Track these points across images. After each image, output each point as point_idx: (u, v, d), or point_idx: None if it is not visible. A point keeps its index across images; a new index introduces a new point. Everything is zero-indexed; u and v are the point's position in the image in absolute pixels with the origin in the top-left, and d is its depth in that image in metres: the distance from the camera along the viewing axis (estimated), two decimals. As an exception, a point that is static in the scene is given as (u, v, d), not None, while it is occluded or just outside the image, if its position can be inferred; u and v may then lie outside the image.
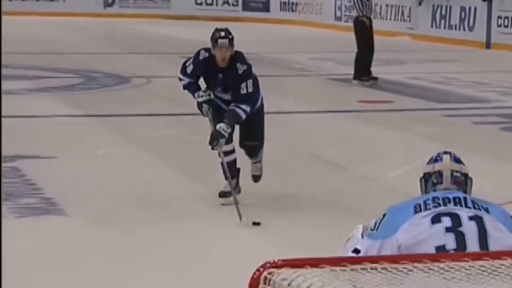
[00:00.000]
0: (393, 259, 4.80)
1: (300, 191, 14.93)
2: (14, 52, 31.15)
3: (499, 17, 33.11)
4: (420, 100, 24.22)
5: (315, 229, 12.51)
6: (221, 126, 11.76)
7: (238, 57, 12.13)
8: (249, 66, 12.16)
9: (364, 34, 27.06)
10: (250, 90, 11.97)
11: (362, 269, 4.46)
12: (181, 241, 12.78)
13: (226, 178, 12.81)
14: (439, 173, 6.05)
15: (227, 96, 12.36)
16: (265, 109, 14.29)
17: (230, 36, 12.06)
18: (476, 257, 4.78)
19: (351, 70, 28.60)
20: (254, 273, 4.31)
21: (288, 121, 21.44)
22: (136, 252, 12.33)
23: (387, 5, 37.62)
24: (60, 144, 18.87)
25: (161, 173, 16.58)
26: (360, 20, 27.44)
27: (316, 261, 4.36)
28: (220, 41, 11.89)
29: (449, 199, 5.85)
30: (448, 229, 5.86)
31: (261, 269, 4.30)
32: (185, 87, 12.36)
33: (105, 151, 17.63)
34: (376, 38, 28.13)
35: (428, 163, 6.39)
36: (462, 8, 33.97)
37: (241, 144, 12.60)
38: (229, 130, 12.06)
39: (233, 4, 48.53)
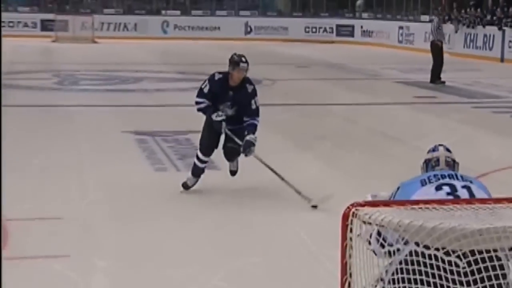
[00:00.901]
0: (440, 202, 4.56)
1: (373, 158, 14.71)
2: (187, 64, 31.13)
3: (510, 41, 32.98)
4: (455, 96, 23.96)
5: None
6: (251, 137, 10.81)
7: (246, 79, 11.30)
8: (255, 87, 11.42)
9: (437, 53, 26.66)
10: (258, 105, 11.14)
11: (419, 208, 4.34)
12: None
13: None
14: (436, 159, 6.14)
15: (231, 112, 11.24)
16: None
17: (248, 62, 11.33)
18: (484, 201, 4.63)
19: (410, 76, 28.20)
20: (345, 210, 4.23)
21: (365, 110, 21.39)
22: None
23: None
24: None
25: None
26: (436, 43, 26.86)
27: (388, 202, 4.39)
28: (241, 64, 11.11)
29: (445, 175, 5.88)
30: (448, 194, 5.81)
31: (350, 207, 4.22)
32: (201, 109, 11.20)
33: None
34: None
35: (428, 152, 6.46)
36: (485, 35, 33.64)
37: (224, 145, 11.37)
38: (256, 140, 11.02)
39: (329, 32, 47.89)
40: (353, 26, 47.75)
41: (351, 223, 4.22)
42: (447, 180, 5.96)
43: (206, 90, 11.14)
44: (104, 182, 12.40)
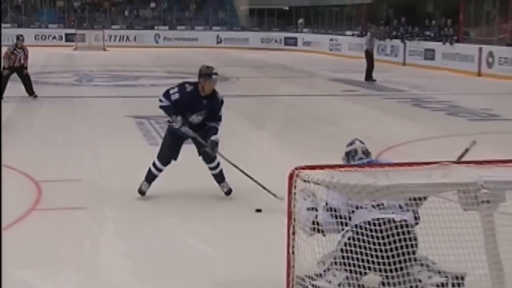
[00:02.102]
0: (360, 166, 4.67)
1: (311, 135, 14.69)
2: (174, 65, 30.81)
3: (410, 50, 33.39)
4: (372, 90, 24.03)
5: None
6: (216, 137, 9.43)
7: (215, 89, 9.59)
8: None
9: (369, 58, 26.74)
10: (222, 113, 9.65)
11: (345, 170, 4.32)
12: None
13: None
14: (355, 150, 5.99)
15: (197, 120, 9.58)
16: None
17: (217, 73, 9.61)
18: (391, 165, 4.64)
19: (338, 75, 28.30)
20: (291, 172, 4.28)
21: (305, 100, 21.43)
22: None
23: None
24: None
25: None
26: (368, 51, 26.94)
27: (322, 166, 4.22)
28: (214, 76, 9.44)
29: (364, 163, 5.84)
30: None
31: (294, 170, 4.26)
32: (163, 107, 9.56)
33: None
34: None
35: (347, 146, 6.35)
36: (392, 46, 33.83)
37: (200, 152, 9.73)
38: (219, 139, 9.58)
39: (279, 42, 47.86)
40: (296, 38, 47.74)
41: (295, 181, 4.22)
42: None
43: (173, 97, 9.41)
44: (112, 153, 12.59)
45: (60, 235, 7.93)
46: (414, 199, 4.99)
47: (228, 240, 7.72)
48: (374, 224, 4.76)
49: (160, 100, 9.50)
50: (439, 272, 5.22)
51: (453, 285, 5.12)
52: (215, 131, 9.55)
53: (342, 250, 4.89)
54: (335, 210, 5.02)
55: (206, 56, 38.51)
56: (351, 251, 4.69)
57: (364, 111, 18.95)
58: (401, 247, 4.62)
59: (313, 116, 17.78)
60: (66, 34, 46.46)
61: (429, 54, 32.33)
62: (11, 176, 10.10)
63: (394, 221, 4.90)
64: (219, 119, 9.70)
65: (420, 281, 5.01)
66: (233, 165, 9.67)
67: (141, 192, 9.46)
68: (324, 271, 5.00)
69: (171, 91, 9.48)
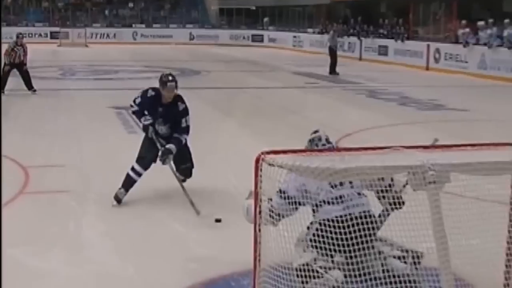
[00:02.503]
0: (319, 151, 4.67)
1: (275, 123, 14.69)
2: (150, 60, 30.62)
3: (365, 46, 33.40)
4: (331, 83, 24.10)
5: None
6: (170, 146, 8.47)
7: (179, 97, 8.68)
8: (186, 105, 8.75)
9: (332, 54, 26.84)
10: (188, 123, 8.72)
11: (306, 155, 4.34)
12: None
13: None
14: (319, 137, 5.95)
15: (164, 129, 8.69)
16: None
17: (176, 80, 8.67)
18: (348, 150, 4.68)
19: (301, 69, 28.29)
20: (257, 156, 4.27)
21: (270, 92, 21.43)
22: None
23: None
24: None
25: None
26: (332, 48, 27.04)
27: (286, 151, 4.18)
28: (169, 84, 8.47)
29: (324, 148, 5.76)
30: None
31: (260, 154, 4.24)
32: (134, 112, 8.77)
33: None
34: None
35: (311, 134, 6.25)
36: (349, 42, 33.69)
37: (178, 169, 8.80)
38: (175, 151, 8.60)
39: (246, 39, 47.83)
40: (262, 35, 47.70)
41: (261, 165, 4.23)
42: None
43: (137, 101, 8.67)
44: (94, 141, 12.52)
45: (46, 216, 7.94)
46: (376, 185, 5.04)
47: (203, 221, 7.72)
48: (338, 221, 4.74)
49: (131, 106, 8.82)
50: (400, 248, 5.20)
51: (412, 257, 5.11)
52: (176, 142, 8.58)
53: (310, 240, 4.91)
54: (284, 192, 5.01)
55: (180, 51, 38.51)
56: (318, 241, 4.71)
57: (324, 101, 18.99)
58: (362, 236, 4.67)
59: (277, 107, 17.70)
60: (51, 32, 46.13)
61: (383, 50, 32.50)
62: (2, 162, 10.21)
63: (355, 215, 4.90)
64: (184, 130, 8.70)
65: (382, 252, 5.04)
66: (176, 177, 8.72)
67: (118, 200, 8.40)
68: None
69: (137, 97, 8.76)
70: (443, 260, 4.07)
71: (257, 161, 4.23)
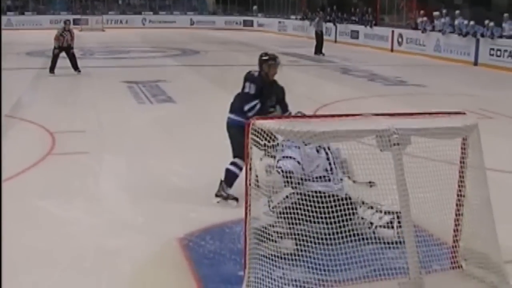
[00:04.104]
0: (303, 116, 4.63)
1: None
2: (157, 42, 30.36)
3: (340, 31, 33.11)
4: (311, 61, 24.02)
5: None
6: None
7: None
8: None
9: (318, 38, 26.69)
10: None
11: (290, 121, 4.21)
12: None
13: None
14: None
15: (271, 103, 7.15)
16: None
17: None
18: (325, 116, 4.66)
19: (285, 49, 28.10)
20: (247, 122, 4.25)
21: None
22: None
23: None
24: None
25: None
26: (317, 32, 26.94)
27: (272, 117, 4.28)
28: (277, 60, 7.27)
29: (305, 115, 5.65)
30: None
31: (251, 120, 4.22)
32: (258, 111, 6.87)
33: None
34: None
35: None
36: (326, 27, 33.39)
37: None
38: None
39: (239, 24, 47.59)
40: (252, 21, 47.41)
41: (250, 129, 4.21)
42: None
43: (252, 90, 7.11)
44: (109, 110, 12.54)
45: (69, 173, 7.94)
46: None
47: (202, 177, 7.71)
48: (319, 197, 4.66)
49: (249, 110, 7.02)
50: (386, 212, 5.23)
51: (398, 221, 5.10)
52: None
53: (286, 207, 4.80)
54: (286, 171, 5.08)
55: (182, 34, 38.23)
56: (293, 209, 4.62)
57: (305, 77, 18.91)
58: (342, 216, 4.56)
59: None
60: (74, 19, 45.69)
61: (354, 34, 32.40)
62: (32, 129, 10.33)
63: (335, 194, 4.82)
64: (287, 107, 7.45)
65: (372, 223, 5.01)
66: None
67: (234, 198, 6.80)
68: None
69: (247, 90, 7.16)
70: (404, 210, 4.09)
71: (248, 125, 4.21)
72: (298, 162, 5.33)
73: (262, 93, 7.16)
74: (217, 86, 16.17)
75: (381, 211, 5.22)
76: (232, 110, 7.32)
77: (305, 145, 5.34)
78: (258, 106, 7.05)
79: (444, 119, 4.64)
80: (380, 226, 5.17)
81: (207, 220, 6.07)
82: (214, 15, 49.83)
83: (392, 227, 5.18)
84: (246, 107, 7.03)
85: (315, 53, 26.56)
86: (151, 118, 11.60)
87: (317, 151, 5.46)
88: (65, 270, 5.11)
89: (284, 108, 7.37)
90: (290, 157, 5.38)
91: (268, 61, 7.31)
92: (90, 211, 6.54)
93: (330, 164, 5.41)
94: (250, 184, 4.30)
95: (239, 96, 7.26)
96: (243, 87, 7.19)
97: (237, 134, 6.50)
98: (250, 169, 4.27)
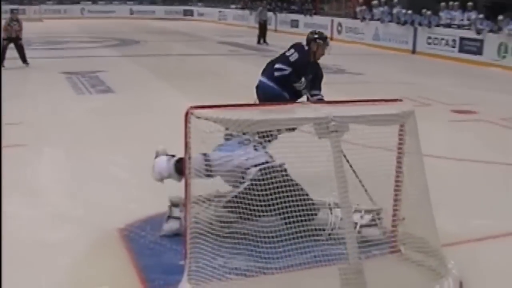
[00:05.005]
0: (240, 105, 4.48)
1: (203, 85, 14.57)
2: (96, 32, 29.99)
3: (280, 20, 33.15)
4: (251, 50, 24.09)
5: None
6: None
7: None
8: None
9: (260, 27, 27.08)
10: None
11: (227, 110, 4.18)
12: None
13: None
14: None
15: (303, 85, 6.99)
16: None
17: None
18: (263, 105, 4.64)
19: (225, 39, 28.12)
20: (186, 110, 4.19)
21: (199, 58, 21.29)
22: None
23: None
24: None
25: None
26: (259, 21, 27.25)
27: (211, 106, 4.23)
28: (328, 40, 7.31)
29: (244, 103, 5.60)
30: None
31: (189, 108, 4.15)
32: (284, 76, 6.98)
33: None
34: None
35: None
36: (268, 16, 33.51)
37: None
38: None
39: (179, 13, 47.24)
40: (192, 10, 47.32)
41: (190, 118, 4.18)
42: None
43: (293, 58, 7.01)
44: (48, 101, 12.37)
45: (7, 166, 7.69)
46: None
47: (142, 167, 7.62)
48: (263, 174, 4.71)
49: (280, 69, 7.03)
50: (367, 211, 5.22)
51: (379, 218, 5.18)
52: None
53: (236, 196, 4.78)
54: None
55: (122, 24, 37.83)
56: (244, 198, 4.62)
57: (244, 66, 18.87)
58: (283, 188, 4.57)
59: (205, 71, 17.49)
60: (11, 9, 44.83)
61: (294, 24, 32.56)
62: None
63: (275, 167, 4.88)
64: (320, 89, 7.16)
65: (355, 223, 4.99)
66: None
67: None
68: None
69: (289, 54, 7.10)
70: (342, 196, 4.11)
71: (187, 114, 4.18)
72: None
73: (300, 66, 6.94)
74: (156, 76, 16.12)
75: (360, 210, 5.21)
76: (263, 73, 7.21)
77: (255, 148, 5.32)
78: (287, 72, 6.92)
79: (382, 106, 4.69)
80: (364, 225, 5.15)
81: (147, 210, 6.00)
82: (154, 5, 49.43)
83: (376, 225, 5.18)
84: (277, 66, 6.95)
85: (258, 42, 26.63)
86: (90, 109, 11.49)
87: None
88: (3, 265, 5.00)
89: (315, 89, 7.05)
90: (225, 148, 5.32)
91: (317, 40, 7.15)
92: (29, 205, 6.42)
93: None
94: (189, 173, 4.27)
95: (277, 58, 7.10)
96: (286, 51, 7.08)
97: (265, 100, 6.55)
98: (190, 158, 4.24)
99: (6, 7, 45.24)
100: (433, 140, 6.61)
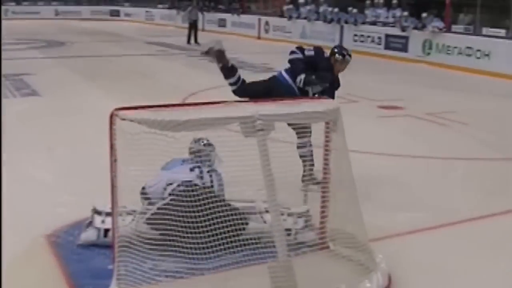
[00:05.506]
0: (172, 105, 4.42)
1: (132, 85, 14.39)
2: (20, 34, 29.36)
3: (207, 19, 33.02)
4: (177, 50, 23.99)
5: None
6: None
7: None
8: None
9: (190, 27, 26.89)
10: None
11: (154, 110, 4.15)
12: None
13: None
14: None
15: (317, 91, 6.78)
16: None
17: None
18: (196, 104, 4.71)
19: (153, 39, 27.85)
20: (111, 112, 4.15)
21: (126, 59, 21.06)
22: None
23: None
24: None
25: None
26: (189, 21, 26.98)
27: (136, 107, 4.18)
28: (347, 58, 7.02)
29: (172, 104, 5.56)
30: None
31: (113, 110, 4.11)
32: (294, 59, 6.87)
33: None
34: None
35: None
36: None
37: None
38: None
39: (105, 13, 46.62)
40: (119, 10, 46.72)
41: (114, 120, 4.13)
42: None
43: (308, 52, 6.87)
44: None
45: None
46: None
47: (69, 171, 7.53)
48: (181, 190, 4.75)
49: (293, 52, 6.94)
50: (298, 216, 5.20)
51: (307, 220, 5.18)
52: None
53: (154, 213, 4.80)
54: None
55: (47, 26, 37.11)
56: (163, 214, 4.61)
57: (172, 66, 18.94)
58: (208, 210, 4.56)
59: (133, 71, 17.33)
60: None
61: (222, 23, 32.60)
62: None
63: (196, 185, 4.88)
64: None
65: (289, 229, 4.96)
66: None
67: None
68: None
69: (306, 49, 6.95)
70: (270, 194, 4.13)
71: (111, 116, 4.14)
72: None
73: (312, 62, 6.81)
74: (83, 77, 15.88)
75: (290, 214, 5.20)
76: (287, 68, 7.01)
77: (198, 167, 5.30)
78: (300, 56, 6.80)
79: (308, 104, 4.73)
80: (299, 230, 5.14)
81: (75, 214, 5.86)
82: (80, 5, 48.65)
83: (311, 228, 5.18)
84: (293, 49, 6.83)
85: (188, 42, 26.50)
86: (14, 113, 11.19)
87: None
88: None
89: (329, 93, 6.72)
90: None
91: (336, 55, 6.98)
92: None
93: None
94: (115, 176, 4.21)
95: (305, 57, 6.86)
96: (305, 51, 6.88)
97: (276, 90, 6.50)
98: (115, 160, 4.18)
99: None
100: (360, 136, 6.70)
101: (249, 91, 6.93)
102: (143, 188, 5.12)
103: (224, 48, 6.99)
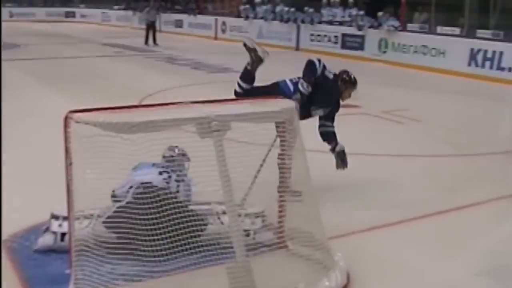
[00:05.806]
0: (127, 107, 4.29)
1: (86, 85, 14.25)
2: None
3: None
4: (136, 52, 23.87)
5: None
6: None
7: None
8: None
9: (147, 28, 26.58)
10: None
11: (110, 113, 4.11)
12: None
13: None
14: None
15: (318, 113, 6.67)
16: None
17: None
18: (149, 105, 4.70)
19: (109, 40, 27.62)
20: (65, 115, 4.15)
21: (82, 61, 20.85)
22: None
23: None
24: None
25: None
26: (147, 22, 26.70)
27: (90, 110, 4.08)
28: (357, 85, 6.97)
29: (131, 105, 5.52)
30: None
31: (68, 113, 4.10)
32: (311, 68, 6.60)
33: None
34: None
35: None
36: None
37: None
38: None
39: (59, 15, 46.05)
40: (74, 12, 46.27)
41: (69, 122, 4.10)
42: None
43: (325, 80, 6.58)
44: None
45: None
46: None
47: (25, 175, 7.42)
48: (140, 192, 4.72)
49: (312, 64, 6.64)
50: (255, 216, 5.19)
51: (264, 221, 5.17)
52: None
53: (115, 212, 4.76)
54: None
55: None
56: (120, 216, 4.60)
57: (129, 67, 18.83)
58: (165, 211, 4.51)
59: (89, 73, 17.18)
60: None
61: (179, 23, 32.55)
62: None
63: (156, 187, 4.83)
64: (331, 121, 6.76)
65: (247, 230, 4.97)
66: None
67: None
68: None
69: (318, 66, 6.64)
70: (227, 195, 4.14)
71: (66, 119, 4.10)
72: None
73: (322, 93, 6.57)
74: (38, 80, 15.71)
75: (247, 214, 5.19)
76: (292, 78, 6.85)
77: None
78: (304, 92, 6.47)
79: (263, 104, 4.74)
80: (257, 230, 5.13)
81: (31, 219, 5.80)
82: (34, 7, 48.04)
83: (268, 228, 5.15)
84: (305, 80, 6.52)
85: (146, 43, 26.34)
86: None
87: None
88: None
89: (327, 120, 6.72)
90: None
91: (345, 80, 6.84)
92: None
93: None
94: (71, 180, 4.17)
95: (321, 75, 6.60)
96: (325, 71, 6.63)
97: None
98: (71, 164, 4.14)
99: None
100: (317, 135, 6.70)
101: (249, 95, 6.53)
102: (113, 191, 5.09)
103: (265, 61, 6.92)
